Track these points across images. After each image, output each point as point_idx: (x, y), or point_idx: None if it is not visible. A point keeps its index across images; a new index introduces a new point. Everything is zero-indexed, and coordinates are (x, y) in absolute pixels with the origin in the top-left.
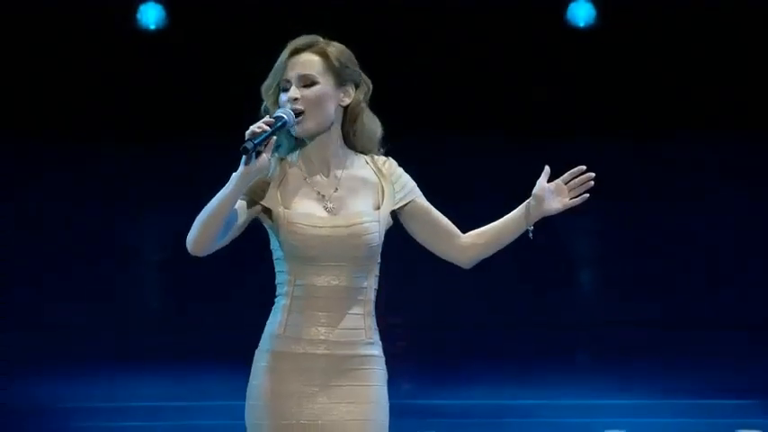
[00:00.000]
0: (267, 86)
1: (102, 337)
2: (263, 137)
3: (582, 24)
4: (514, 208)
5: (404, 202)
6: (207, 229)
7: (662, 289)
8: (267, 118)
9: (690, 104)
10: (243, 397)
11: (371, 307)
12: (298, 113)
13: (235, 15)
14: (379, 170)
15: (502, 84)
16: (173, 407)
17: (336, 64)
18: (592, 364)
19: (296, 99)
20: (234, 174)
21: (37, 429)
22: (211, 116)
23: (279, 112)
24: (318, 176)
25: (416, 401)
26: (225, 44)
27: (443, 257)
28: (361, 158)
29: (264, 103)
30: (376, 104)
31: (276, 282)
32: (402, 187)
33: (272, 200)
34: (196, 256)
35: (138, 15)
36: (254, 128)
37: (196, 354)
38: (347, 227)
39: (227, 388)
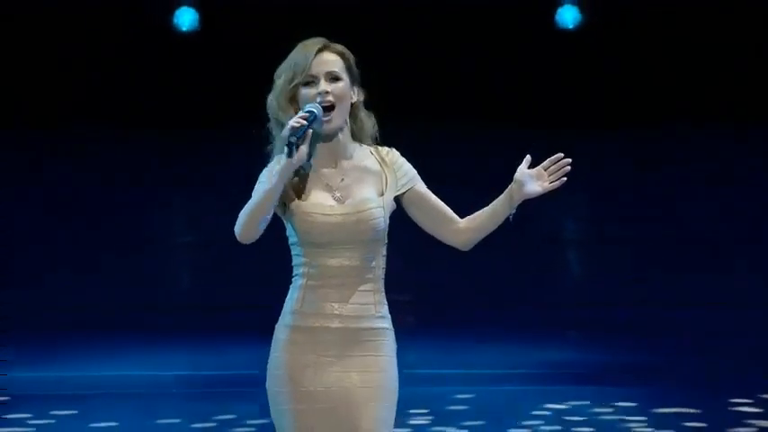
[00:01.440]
0: (288, 80)
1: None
2: (302, 131)
3: (571, 26)
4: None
5: (405, 189)
6: (255, 219)
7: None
8: (301, 113)
9: (679, 98)
10: (264, 367)
11: (380, 284)
12: (327, 108)
13: (263, 22)
14: (383, 159)
15: (499, 81)
16: (201, 376)
17: (351, 64)
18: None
19: (327, 92)
20: (277, 167)
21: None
22: (232, 115)
23: (309, 107)
24: (326, 168)
25: (419, 371)
26: (253, 49)
27: (442, 240)
28: (366, 149)
29: (271, 97)
30: (376, 102)
31: (293, 263)
32: (404, 175)
33: (285, 192)
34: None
35: (174, 18)
36: (293, 123)
37: (222, 329)
38: (355, 213)
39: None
